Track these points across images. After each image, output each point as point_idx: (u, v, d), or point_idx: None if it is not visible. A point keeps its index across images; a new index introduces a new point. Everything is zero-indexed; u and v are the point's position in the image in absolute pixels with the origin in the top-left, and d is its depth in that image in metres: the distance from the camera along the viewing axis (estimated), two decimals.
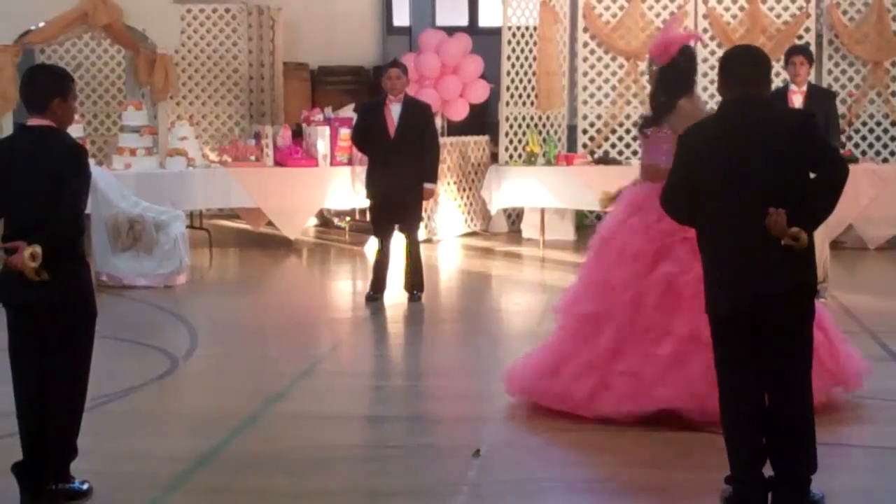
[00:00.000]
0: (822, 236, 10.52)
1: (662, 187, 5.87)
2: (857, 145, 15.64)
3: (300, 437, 7.22)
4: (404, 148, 11.17)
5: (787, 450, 5.61)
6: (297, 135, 15.74)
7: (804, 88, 10.79)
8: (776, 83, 11.79)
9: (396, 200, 11.26)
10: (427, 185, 11.39)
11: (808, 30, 15.71)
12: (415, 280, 11.58)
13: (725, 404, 5.69)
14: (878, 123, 15.86)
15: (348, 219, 16.52)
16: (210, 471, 6.55)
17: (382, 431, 7.48)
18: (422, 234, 12.34)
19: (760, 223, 5.38)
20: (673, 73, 7.48)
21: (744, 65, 5.70)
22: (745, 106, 5.61)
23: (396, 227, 11.51)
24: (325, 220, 17.24)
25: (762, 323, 5.55)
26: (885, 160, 15.61)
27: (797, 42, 14.91)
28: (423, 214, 12.42)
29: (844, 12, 15.77)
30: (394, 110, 11.29)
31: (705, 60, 15.62)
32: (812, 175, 5.52)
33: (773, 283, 5.48)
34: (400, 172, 11.11)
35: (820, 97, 10.85)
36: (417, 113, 11.40)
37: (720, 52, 15.44)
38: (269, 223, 15.72)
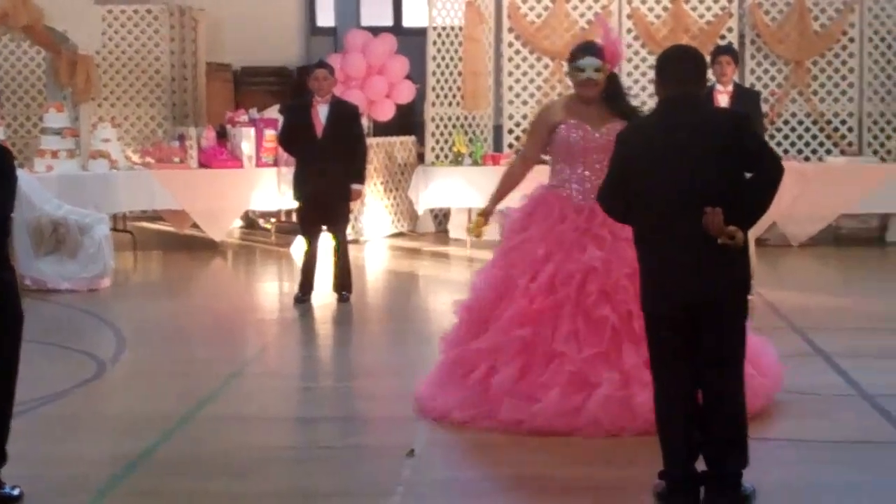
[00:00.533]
0: (749, 234, 10.61)
1: (600, 186, 5.91)
2: (779, 144, 15.81)
3: (232, 439, 7.18)
4: (332, 149, 11.12)
5: (719, 445, 5.66)
6: (222, 136, 15.65)
7: (730, 88, 10.89)
8: None
9: (324, 201, 11.22)
10: (354, 186, 11.37)
11: (730, 29, 15.86)
12: (343, 281, 11.55)
13: (659, 400, 5.74)
14: (801, 122, 16.07)
15: (274, 220, 16.45)
16: (143, 474, 6.48)
17: (314, 433, 7.45)
18: (349, 234, 12.31)
19: (695, 222, 5.42)
20: (618, 81, 7.50)
21: (681, 64, 5.72)
22: (680, 105, 5.64)
23: (324, 227, 11.48)
24: (251, 222, 17.16)
25: (696, 320, 5.58)
26: (807, 158, 15.82)
27: (720, 42, 15.05)
28: (350, 215, 12.39)
29: (766, 12, 15.95)
30: (321, 111, 11.24)
31: (629, 60, 15.74)
32: (747, 174, 5.58)
33: (708, 282, 5.52)
34: (328, 173, 11.07)
35: (745, 97, 10.95)
36: (345, 114, 11.37)
37: (643, 52, 15.67)
38: (194, 225, 15.63)
